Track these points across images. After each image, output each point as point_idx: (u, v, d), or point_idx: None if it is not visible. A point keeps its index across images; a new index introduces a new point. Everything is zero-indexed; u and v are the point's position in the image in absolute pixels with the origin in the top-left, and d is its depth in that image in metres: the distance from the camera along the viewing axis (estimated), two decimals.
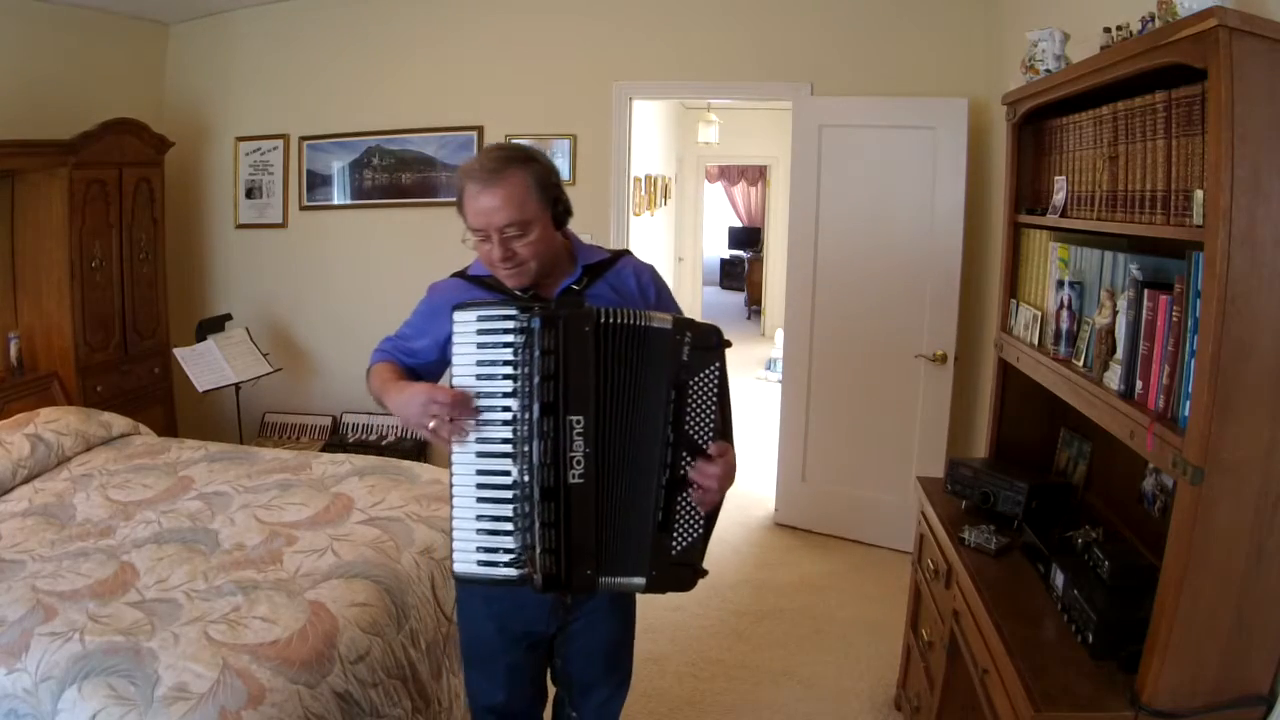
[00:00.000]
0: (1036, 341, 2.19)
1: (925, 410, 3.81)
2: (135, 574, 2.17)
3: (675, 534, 1.53)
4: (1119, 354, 1.71)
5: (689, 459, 1.51)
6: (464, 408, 1.48)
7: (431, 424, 1.47)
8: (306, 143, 4.60)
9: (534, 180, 1.53)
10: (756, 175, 11.55)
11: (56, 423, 3.12)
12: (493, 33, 4.30)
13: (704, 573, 1.57)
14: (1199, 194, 1.40)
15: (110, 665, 1.77)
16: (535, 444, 1.46)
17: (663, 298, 1.74)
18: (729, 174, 12.20)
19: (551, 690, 1.91)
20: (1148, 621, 1.50)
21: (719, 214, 12.44)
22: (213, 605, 2.02)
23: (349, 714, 1.84)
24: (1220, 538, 1.41)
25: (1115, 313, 1.75)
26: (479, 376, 1.48)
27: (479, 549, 1.50)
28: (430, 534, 2.49)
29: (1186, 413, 1.42)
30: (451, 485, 1.52)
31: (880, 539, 3.96)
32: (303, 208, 4.66)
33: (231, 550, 2.33)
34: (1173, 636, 1.44)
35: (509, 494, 1.49)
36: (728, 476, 1.52)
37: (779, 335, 5.95)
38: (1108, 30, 1.78)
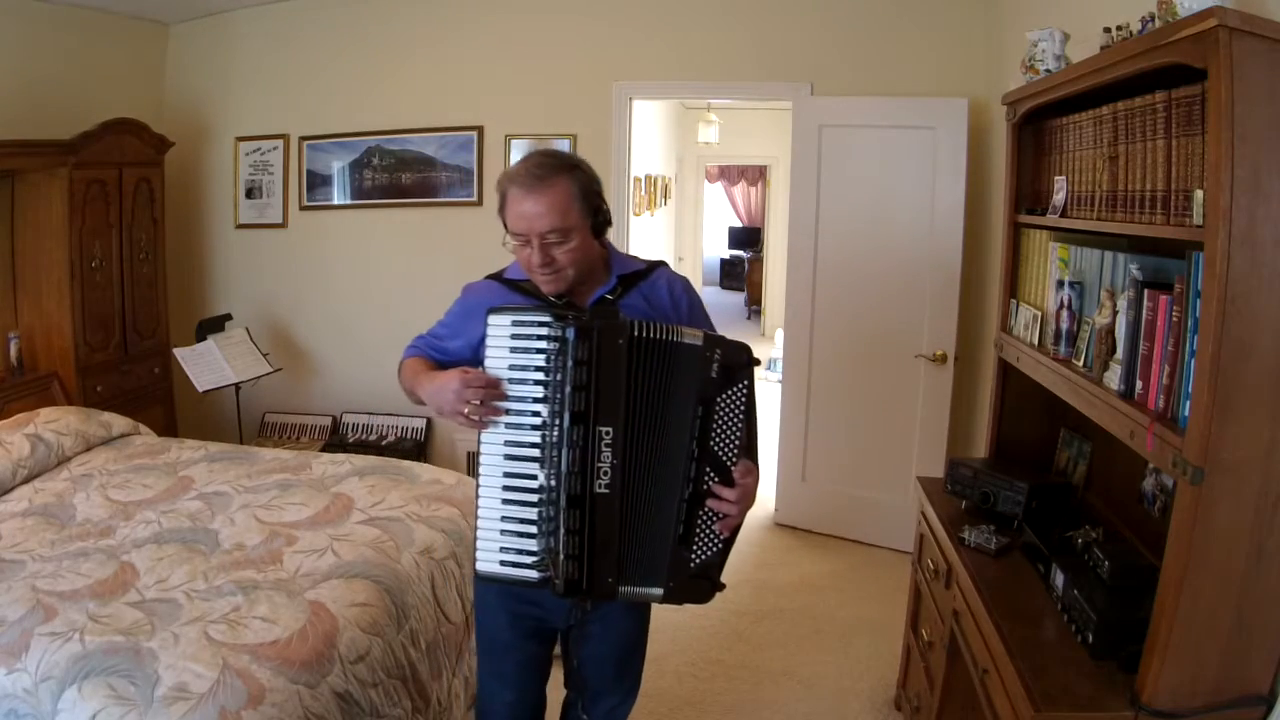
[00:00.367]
0: (1036, 341, 2.19)
1: (925, 410, 3.81)
2: (135, 574, 2.17)
3: (695, 547, 1.55)
4: (1119, 354, 1.71)
5: (712, 475, 1.53)
6: (496, 390, 1.50)
7: (465, 409, 1.50)
8: (306, 143, 4.59)
9: (578, 189, 1.55)
10: (756, 175, 11.55)
11: (56, 423, 3.12)
12: (493, 33, 4.30)
13: (722, 586, 1.60)
14: (1199, 194, 1.40)
15: (110, 665, 1.77)
16: (564, 451, 1.48)
17: (695, 311, 1.75)
18: (729, 174, 12.20)
19: (557, 689, 1.91)
20: (1148, 621, 1.50)
21: (719, 214, 12.44)
22: (213, 605, 2.02)
23: (349, 714, 1.84)
24: (1220, 538, 1.41)
25: (1115, 313, 1.75)
26: (511, 380, 1.51)
27: (502, 549, 1.53)
28: (430, 534, 2.49)
29: (1186, 413, 1.42)
30: (477, 485, 1.55)
31: (880, 539, 3.96)
32: (303, 208, 4.66)
33: (231, 550, 2.33)
34: (1173, 636, 1.44)
35: (534, 497, 1.51)
36: (747, 499, 1.55)
37: (779, 335, 5.95)
38: (1108, 30, 1.78)
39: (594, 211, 1.59)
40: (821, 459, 4.09)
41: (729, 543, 1.59)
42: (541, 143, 4.21)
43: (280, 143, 4.62)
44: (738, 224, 12.55)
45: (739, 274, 12.03)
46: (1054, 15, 2.53)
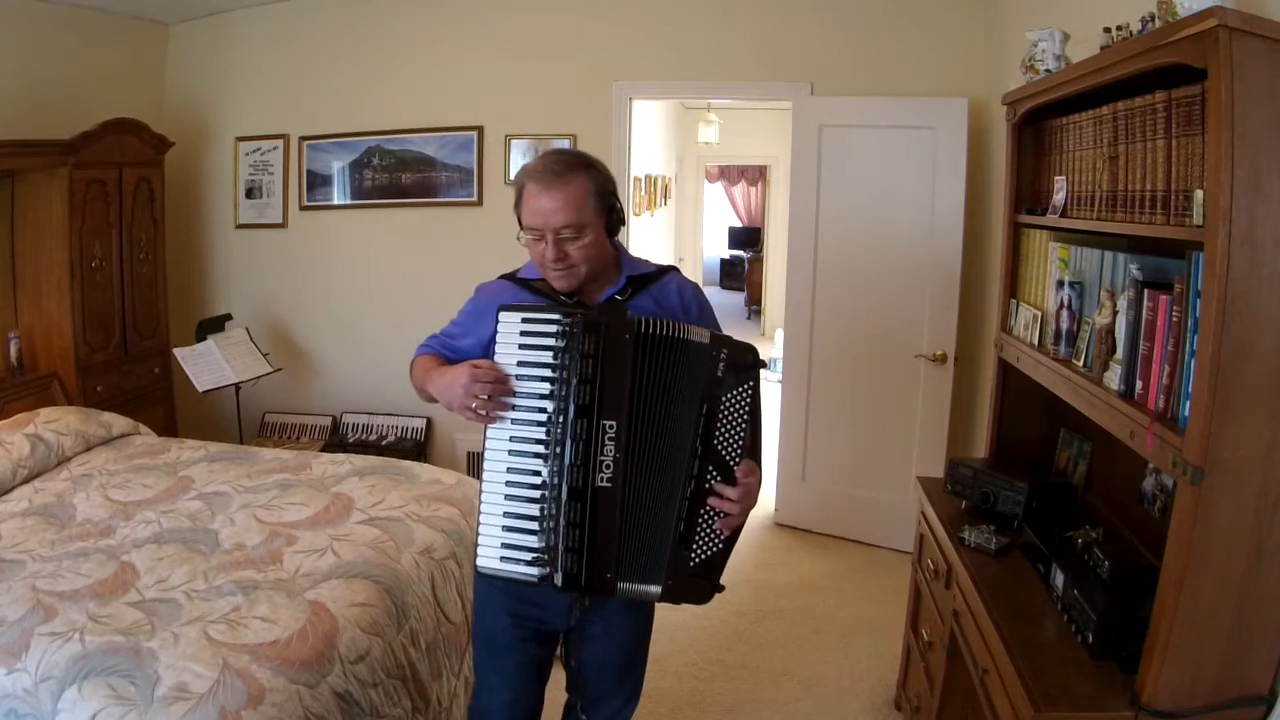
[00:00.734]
0: (1036, 341, 2.19)
1: (925, 410, 3.81)
2: (135, 574, 2.17)
3: (695, 546, 1.56)
4: (1119, 354, 1.71)
5: (714, 474, 1.54)
6: (504, 385, 1.52)
7: (474, 404, 1.51)
8: (306, 143, 4.59)
9: (594, 186, 1.58)
10: (756, 175, 11.54)
11: (56, 423, 3.12)
12: (493, 33, 4.30)
13: (721, 588, 1.60)
14: (1199, 194, 1.40)
15: (110, 665, 1.77)
16: (568, 445, 1.50)
17: (705, 317, 1.75)
18: (729, 174, 12.20)
19: (557, 690, 1.91)
20: (1148, 621, 1.50)
21: (719, 214, 12.44)
22: (213, 605, 2.02)
23: (349, 714, 1.84)
24: (1220, 538, 1.41)
25: (1115, 313, 1.75)
26: (519, 376, 1.53)
27: (503, 545, 1.54)
28: (430, 534, 2.49)
29: (1186, 413, 1.42)
30: (481, 481, 1.56)
31: (880, 539, 3.96)
32: (303, 208, 4.66)
33: (231, 550, 2.33)
34: (1173, 636, 1.44)
35: (537, 494, 1.52)
36: (749, 498, 1.56)
37: (779, 335, 5.94)
38: (1108, 30, 1.78)
39: (608, 210, 1.62)
40: (821, 459, 4.09)
41: (730, 543, 1.59)
42: (541, 143, 4.21)
43: (280, 143, 4.62)
44: (738, 224, 12.55)
45: (739, 274, 12.03)
46: (1054, 15, 2.53)
